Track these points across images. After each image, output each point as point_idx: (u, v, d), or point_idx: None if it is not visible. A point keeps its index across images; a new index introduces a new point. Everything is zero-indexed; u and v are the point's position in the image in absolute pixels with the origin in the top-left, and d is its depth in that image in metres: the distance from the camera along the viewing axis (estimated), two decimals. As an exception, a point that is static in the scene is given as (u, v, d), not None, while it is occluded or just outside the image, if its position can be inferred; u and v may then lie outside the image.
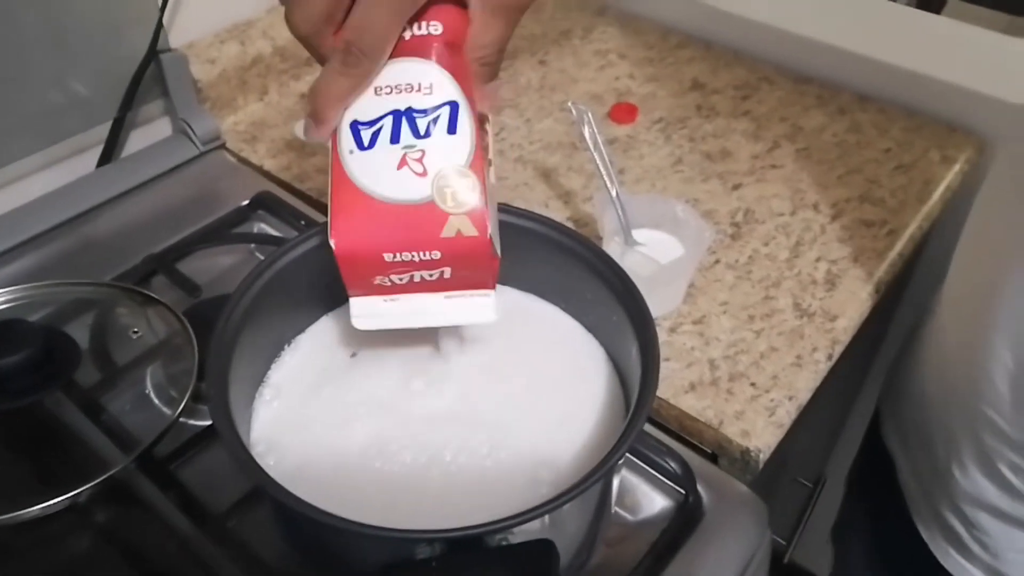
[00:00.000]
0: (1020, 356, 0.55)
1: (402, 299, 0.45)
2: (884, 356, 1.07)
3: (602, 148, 0.69)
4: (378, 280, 0.44)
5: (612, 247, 0.67)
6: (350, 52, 0.40)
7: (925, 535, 0.67)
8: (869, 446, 0.78)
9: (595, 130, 0.69)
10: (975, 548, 0.63)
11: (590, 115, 0.69)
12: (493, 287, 0.46)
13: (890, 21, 0.95)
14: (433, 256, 0.42)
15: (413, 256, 0.42)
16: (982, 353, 0.57)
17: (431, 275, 0.44)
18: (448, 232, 0.42)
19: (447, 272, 0.44)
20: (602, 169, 0.68)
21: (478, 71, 0.44)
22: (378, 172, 0.42)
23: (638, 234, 0.69)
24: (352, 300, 0.46)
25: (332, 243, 0.42)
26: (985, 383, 0.57)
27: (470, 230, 0.42)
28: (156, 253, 0.71)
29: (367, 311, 0.46)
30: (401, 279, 0.44)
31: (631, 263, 0.63)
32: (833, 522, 1.00)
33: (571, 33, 1.02)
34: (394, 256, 0.42)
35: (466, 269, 0.44)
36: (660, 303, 0.68)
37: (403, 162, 0.42)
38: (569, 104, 0.70)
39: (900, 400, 0.71)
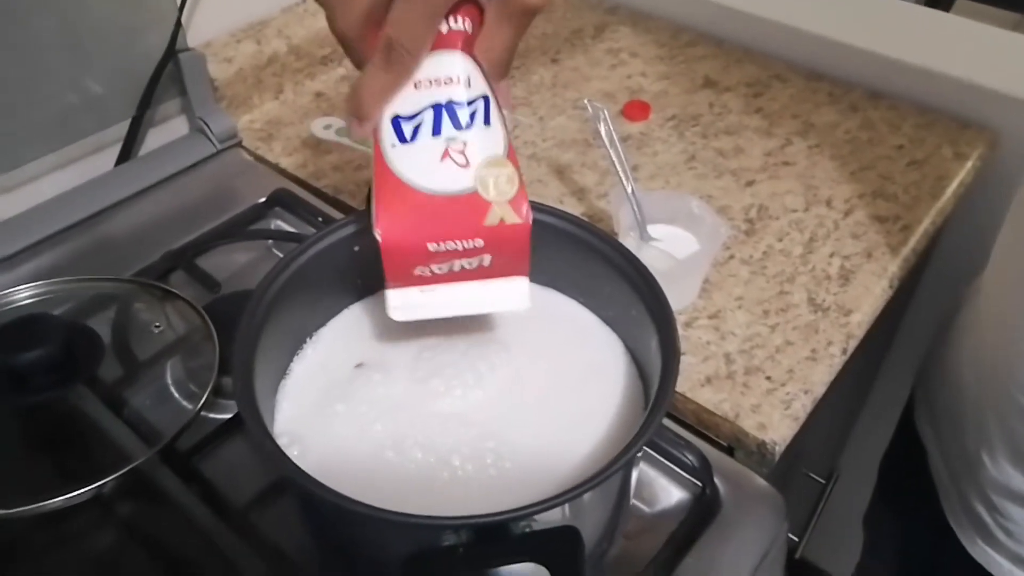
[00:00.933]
0: None
1: (439, 289, 0.46)
2: (897, 351, 1.08)
3: (617, 145, 0.69)
4: (418, 271, 0.45)
5: (628, 242, 0.67)
6: (392, 49, 0.41)
7: (952, 522, 0.68)
8: (902, 433, 0.79)
9: (611, 127, 0.70)
10: (1001, 536, 0.64)
11: (606, 112, 0.70)
12: (527, 273, 0.46)
13: (900, 18, 0.96)
14: (476, 244, 0.43)
15: (456, 245, 0.43)
16: (1015, 339, 0.58)
17: (471, 263, 0.44)
18: (491, 220, 0.43)
19: (486, 260, 0.44)
20: (618, 166, 0.69)
21: (489, 70, 0.44)
22: (421, 164, 0.43)
23: (653, 230, 0.70)
24: (388, 292, 0.46)
25: (378, 235, 0.43)
26: (1017, 370, 0.58)
27: (512, 217, 0.43)
28: (175, 249, 0.72)
29: (404, 302, 0.46)
30: (441, 269, 0.44)
31: (647, 258, 0.63)
32: (846, 515, 1.00)
33: (583, 32, 1.03)
34: (438, 246, 0.43)
35: (505, 256, 0.45)
36: (676, 298, 0.68)
37: (446, 154, 0.42)
38: (585, 101, 0.70)
39: (934, 387, 0.72)
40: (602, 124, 0.69)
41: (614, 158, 0.69)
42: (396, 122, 0.43)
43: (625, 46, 1.00)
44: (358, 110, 0.43)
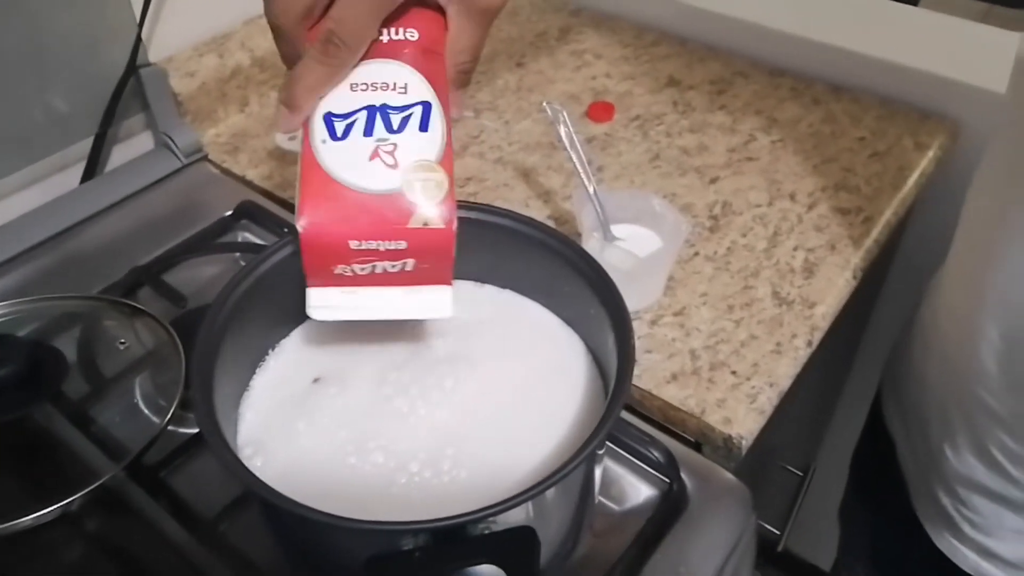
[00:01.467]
0: (1007, 335, 0.56)
1: (361, 292, 0.46)
2: (867, 344, 1.08)
3: (579, 146, 0.70)
4: (339, 269, 0.44)
5: (591, 243, 0.68)
6: (330, 41, 0.41)
7: (921, 515, 0.68)
8: (871, 428, 0.79)
9: (571, 129, 0.70)
10: (966, 528, 0.64)
11: (565, 114, 0.70)
12: (450, 282, 0.46)
13: (863, 11, 0.96)
14: (399, 246, 0.43)
15: (379, 245, 0.43)
16: (972, 333, 0.58)
17: (393, 266, 0.44)
18: (415, 223, 0.43)
19: (409, 264, 0.44)
20: (579, 167, 0.69)
21: (455, 77, 0.45)
22: (350, 161, 0.43)
23: (617, 229, 0.70)
24: (309, 291, 0.46)
25: (299, 226, 0.43)
26: (976, 362, 0.58)
27: (436, 223, 0.43)
28: (141, 265, 0.72)
29: (324, 302, 0.46)
30: (363, 269, 0.44)
31: (610, 258, 0.64)
32: (827, 507, 1.01)
33: (547, 35, 1.03)
34: (360, 244, 0.43)
35: (428, 262, 0.45)
36: (640, 296, 0.69)
37: (375, 154, 0.43)
38: (544, 104, 0.71)
39: (899, 382, 0.73)
40: (562, 126, 0.70)
41: (575, 160, 0.69)
42: (328, 119, 0.43)
43: (589, 47, 1.01)
44: (291, 100, 0.43)
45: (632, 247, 0.68)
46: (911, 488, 0.70)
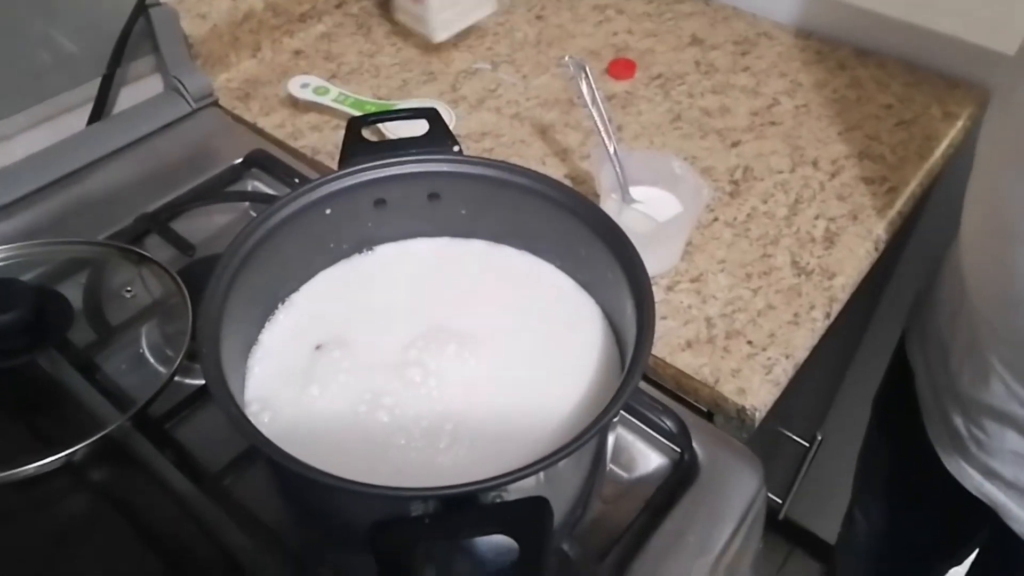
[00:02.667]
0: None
1: None
2: (881, 314, 1.07)
3: (600, 103, 0.68)
4: None
5: (609, 204, 0.66)
6: None
7: (934, 440, 0.73)
8: (894, 367, 0.85)
9: (593, 85, 0.68)
10: (973, 448, 0.69)
11: (588, 69, 0.68)
12: None
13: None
14: None
15: None
16: (987, 253, 0.62)
17: None
18: None
19: None
20: (600, 125, 0.67)
21: None
22: None
23: (635, 191, 0.69)
24: None
25: None
26: (982, 278, 0.63)
27: None
28: (149, 212, 0.71)
29: None
30: None
31: (629, 220, 0.62)
32: (829, 477, 1.01)
33: (569, -13, 1.00)
34: None
35: None
36: (658, 261, 0.67)
37: None
38: (566, 58, 0.69)
39: (925, 315, 0.76)
40: (583, 81, 0.68)
41: (596, 117, 0.67)
42: None
43: (611, 2, 0.98)
44: None
45: (650, 210, 0.67)
46: (926, 416, 0.75)
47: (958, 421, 0.70)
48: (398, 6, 0.90)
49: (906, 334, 0.82)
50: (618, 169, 0.67)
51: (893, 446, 0.87)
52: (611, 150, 0.67)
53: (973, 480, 0.71)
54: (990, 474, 0.69)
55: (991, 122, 0.63)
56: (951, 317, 0.70)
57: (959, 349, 0.69)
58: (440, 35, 0.87)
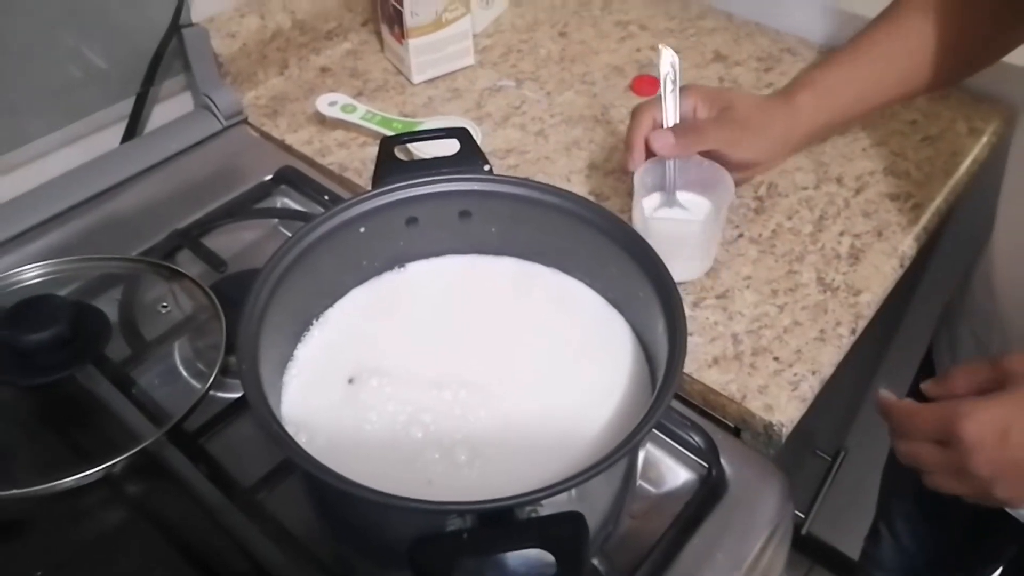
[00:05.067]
0: None
1: None
2: (905, 329, 1.07)
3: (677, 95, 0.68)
4: None
5: (645, 204, 0.67)
6: None
7: None
8: (923, 371, 0.83)
9: (677, 75, 0.68)
10: None
11: (677, 61, 0.67)
12: None
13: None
14: None
15: None
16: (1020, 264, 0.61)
17: None
18: None
19: None
20: (670, 115, 0.68)
21: None
22: None
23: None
24: None
25: None
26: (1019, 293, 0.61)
27: None
28: (181, 228, 0.72)
29: None
30: None
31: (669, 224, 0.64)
32: (852, 492, 1.01)
33: (591, 3, 1.01)
34: None
35: None
36: (701, 260, 0.68)
37: None
38: (660, 47, 0.68)
39: (956, 326, 0.75)
40: (670, 68, 0.67)
41: (670, 107, 0.67)
42: None
43: (634, 18, 0.99)
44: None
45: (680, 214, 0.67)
46: None
47: None
48: (386, 44, 0.91)
49: (934, 346, 0.81)
50: (673, 171, 0.68)
51: None
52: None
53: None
54: None
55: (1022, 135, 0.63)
56: (984, 329, 0.70)
57: (997, 347, 0.68)
58: (417, 78, 0.89)
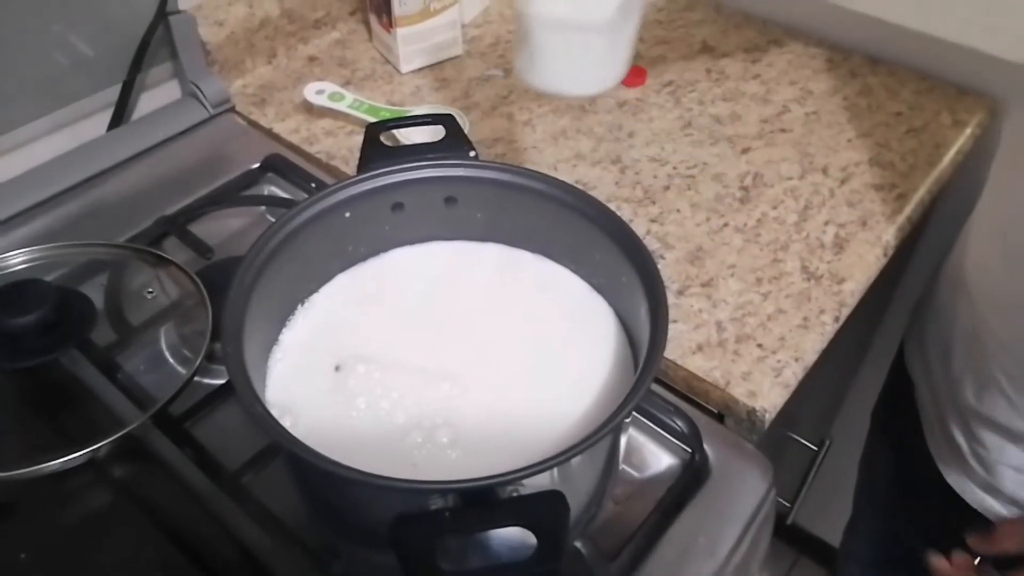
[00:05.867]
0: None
1: None
2: (890, 317, 1.08)
3: None
4: None
5: None
6: None
7: (934, 452, 0.72)
8: (893, 374, 0.84)
9: None
10: (973, 463, 0.68)
11: None
12: None
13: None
14: None
15: None
16: (997, 260, 0.61)
17: None
18: None
19: None
20: None
21: None
22: None
23: None
24: None
25: None
26: (988, 288, 0.62)
27: None
28: (168, 215, 0.72)
29: None
30: None
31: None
32: (838, 482, 1.01)
33: (580, -5, 1.01)
34: None
35: None
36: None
37: None
38: None
39: (925, 323, 0.75)
40: None
41: None
42: None
43: (623, 10, 0.99)
44: None
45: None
46: (926, 427, 0.73)
47: (958, 434, 0.69)
48: (374, 33, 0.91)
49: (905, 343, 0.81)
50: None
51: (893, 456, 0.86)
52: None
53: (975, 495, 0.69)
54: (991, 489, 0.68)
55: (1011, 130, 0.64)
56: (949, 325, 0.70)
57: (960, 359, 0.68)
58: (405, 67, 0.89)
